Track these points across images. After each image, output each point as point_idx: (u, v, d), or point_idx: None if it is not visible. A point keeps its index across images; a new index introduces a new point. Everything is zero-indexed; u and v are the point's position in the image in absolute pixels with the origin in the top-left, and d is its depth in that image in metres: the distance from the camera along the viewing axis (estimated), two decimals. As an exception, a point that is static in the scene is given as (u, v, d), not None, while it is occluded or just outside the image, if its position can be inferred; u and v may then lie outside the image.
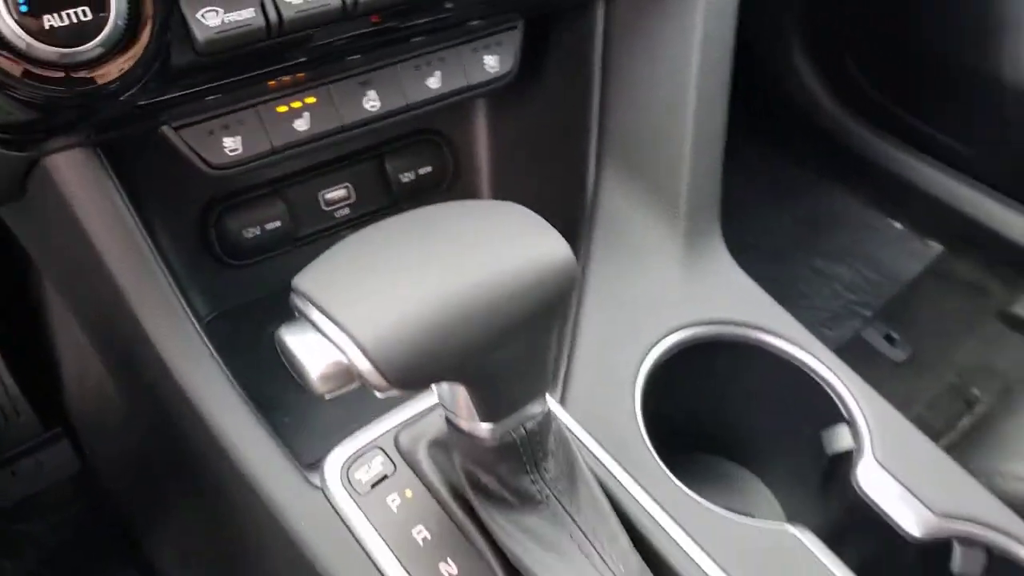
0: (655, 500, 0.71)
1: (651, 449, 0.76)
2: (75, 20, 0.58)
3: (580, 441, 0.75)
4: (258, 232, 0.96)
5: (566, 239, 0.54)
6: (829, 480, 0.85)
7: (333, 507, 0.70)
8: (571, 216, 0.98)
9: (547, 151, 1.05)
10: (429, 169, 1.05)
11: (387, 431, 0.73)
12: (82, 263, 0.76)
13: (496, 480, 0.61)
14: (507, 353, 0.54)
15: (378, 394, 0.50)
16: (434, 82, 0.85)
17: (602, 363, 0.83)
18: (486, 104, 1.08)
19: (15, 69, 0.58)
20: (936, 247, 1.79)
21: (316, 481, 0.72)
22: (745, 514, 0.74)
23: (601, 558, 0.62)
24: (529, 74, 0.97)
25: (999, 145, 1.59)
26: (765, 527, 0.73)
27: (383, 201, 1.04)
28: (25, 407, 1.34)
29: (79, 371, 1.19)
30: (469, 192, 1.10)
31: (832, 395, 0.85)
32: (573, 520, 0.63)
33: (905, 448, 0.81)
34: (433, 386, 0.60)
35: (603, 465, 0.73)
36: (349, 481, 0.70)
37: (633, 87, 0.96)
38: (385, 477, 0.71)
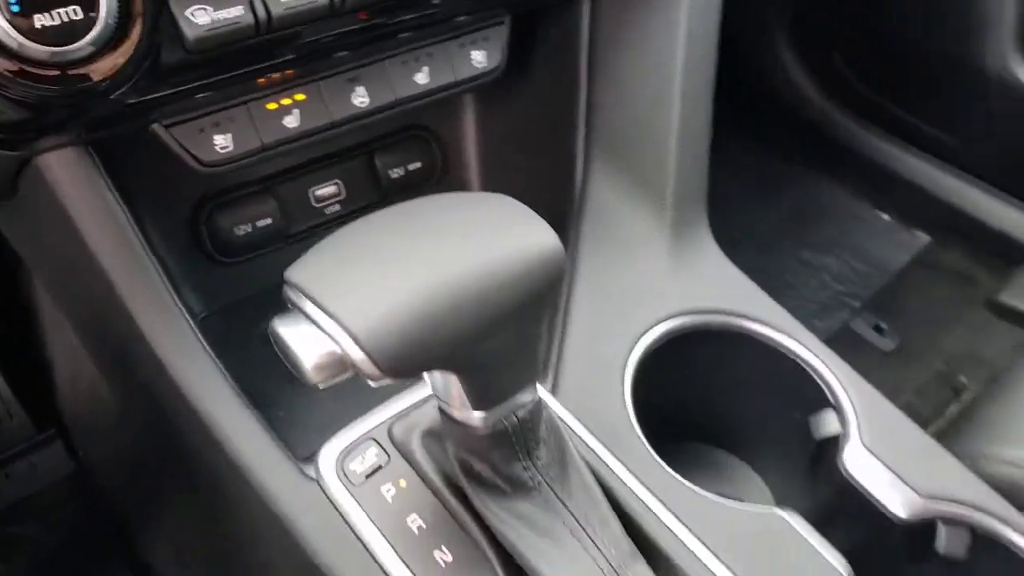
0: (645, 486, 0.72)
1: (641, 437, 0.77)
2: (66, 19, 0.58)
3: (571, 430, 0.76)
4: (249, 229, 0.96)
5: (555, 232, 0.55)
6: (817, 465, 0.86)
7: (328, 498, 0.70)
8: (560, 209, 0.98)
9: (535, 145, 1.05)
10: (418, 165, 1.05)
11: (381, 423, 0.74)
12: (74, 262, 0.76)
13: (489, 468, 0.62)
14: (497, 342, 0.55)
15: (371, 383, 0.51)
16: (422, 78, 0.86)
17: (592, 353, 0.83)
18: (474, 99, 1.08)
19: (7, 68, 0.58)
20: (923, 237, 1.80)
21: (311, 473, 0.72)
22: (735, 499, 0.74)
23: (593, 542, 0.64)
24: (516, 69, 0.97)
25: (984, 136, 1.60)
26: (754, 511, 0.73)
27: (373, 197, 1.04)
28: (18, 409, 1.34)
29: (71, 372, 1.19)
30: (458, 187, 1.10)
31: (819, 381, 0.85)
32: (565, 506, 0.64)
33: (891, 432, 0.82)
34: (426, 375, 0.60)
35: (594, 453, 0.74)
36: (344, 472, 0.71)
37: (619, 81, 0.96)
38: (379, 468, 0.71)
